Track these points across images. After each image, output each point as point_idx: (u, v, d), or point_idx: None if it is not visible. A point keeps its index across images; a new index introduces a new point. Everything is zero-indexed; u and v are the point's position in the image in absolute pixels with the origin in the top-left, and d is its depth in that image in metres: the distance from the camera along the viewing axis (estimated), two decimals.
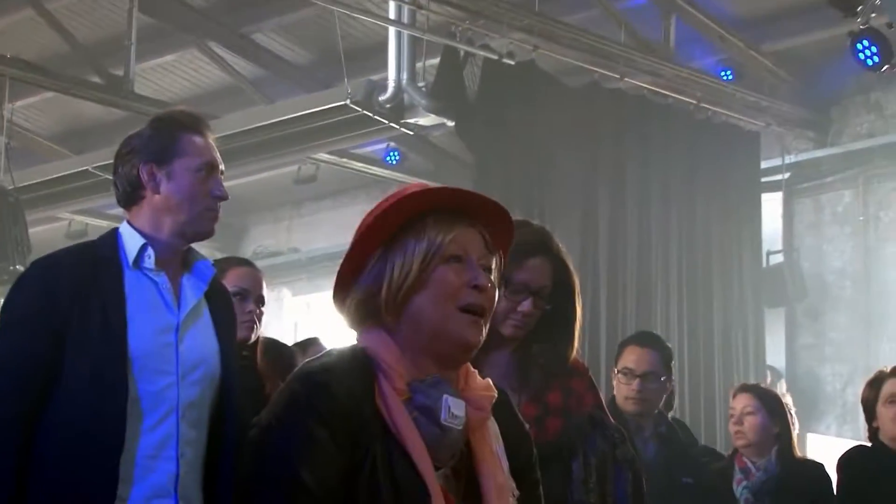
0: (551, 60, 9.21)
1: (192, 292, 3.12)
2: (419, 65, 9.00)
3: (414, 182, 2.35)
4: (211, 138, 3.20)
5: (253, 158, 10.10)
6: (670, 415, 5.29)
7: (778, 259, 10.68)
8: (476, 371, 2.29)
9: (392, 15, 8.69)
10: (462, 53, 8.96)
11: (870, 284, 10.31)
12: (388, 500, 2.08)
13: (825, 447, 8.97)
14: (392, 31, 8.75)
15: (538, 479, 2.38)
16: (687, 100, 9.83)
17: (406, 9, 8.59)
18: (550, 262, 3.28)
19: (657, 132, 9.70)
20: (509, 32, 8.77)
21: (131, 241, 3.08)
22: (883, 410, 4.57)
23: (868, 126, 10.54)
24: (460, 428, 2.15)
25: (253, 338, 4.19)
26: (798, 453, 5.23)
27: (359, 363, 2.18)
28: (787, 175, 10.74)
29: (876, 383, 4.65)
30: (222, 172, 3.20)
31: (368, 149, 11.52)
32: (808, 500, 4.89)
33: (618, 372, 4.78)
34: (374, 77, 9.27)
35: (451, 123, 9.11)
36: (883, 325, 10.18)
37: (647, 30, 9.83)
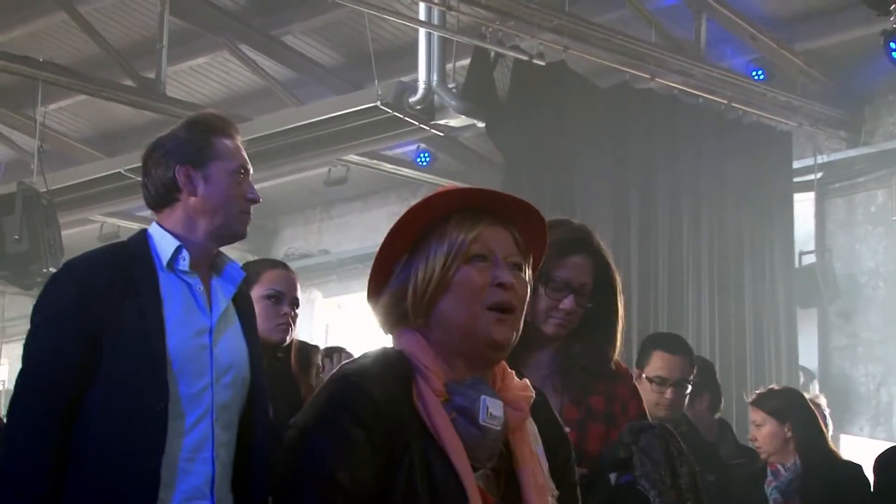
0: (581, 61, 9.19)
1: (223, 295, 3.13)
2: (449, 66, 9.00)
3: (445, 184, 2.35)
4: (240, 141, 3.22)
5: (283, 160, 10.13)
6: (717, 415, 5.31)
7: (810, 259, 10.62)
8: (513, 371, 2.28)
9: (422, 16, 8.71)
10: (492, 54, 8.96)
11: None
12: (424, 502, 2.07)
13: (858, 448, 8.90)
14: (422, 32, 8.76)
15: (576, 481, 2.37)
16: (718, 100, 9.79)
17: (436, 10, 8.60)
18: (592, 259, 3.26)
19: (688, 132, 9.66)
20: (539, 33, 8.76)
21: (164, 243, 3.08)
22: None
23: None
24: (499, 428, 2.14)
25: (288, 340, 4.20)
26: (833, 450, 5.18)
27: (395, 365, 2.17)
28: (819, 175, 10.67)
29: None
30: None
31: (399, 150, 11.53)
32: (842, 500, 4.85)
33: (647, 378, 4.74)
34: (405, 78, 9.29)
35: (481, 124, 9.11)
36: None
37: (678, 29, 9.80)
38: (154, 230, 3.13)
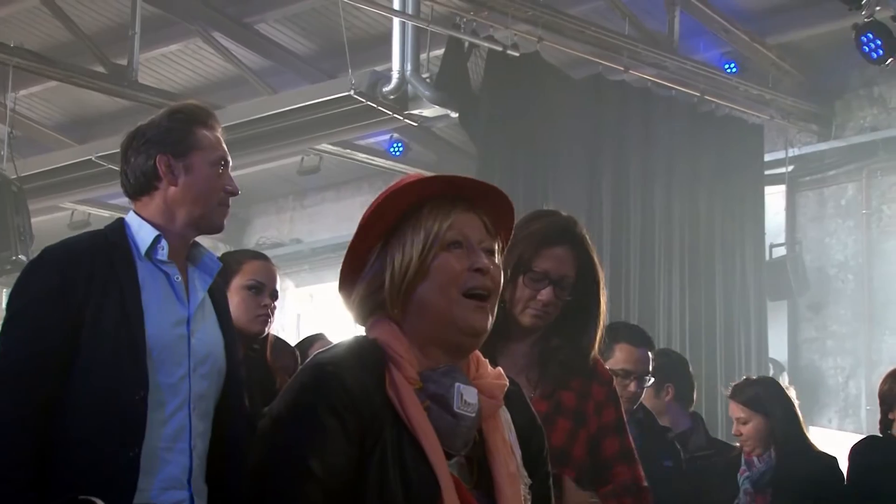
0: (555, 52, 9.20)
1: (200, 285, 3.13)
2: (423, 56, 8.98)
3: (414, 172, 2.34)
4: (221, 133, 3.21)
5: (256, 149, 10.09)
6: (691, 409, 5.34)
7: (781, 252, 10.67)
8: (487, 360, 2.29)
9: (396, 5, 8.68)
10: (466, 45, 8.95)
11: (872, 278, 10.31)
12: (397, 490, 2.08)
13: (827, 440, 8.96)
14: (396, 21, 8.74)
15: (548, 471, 2.38)
16: (691, 92, 9.82)
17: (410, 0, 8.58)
18: (574, 252, 3.23)
19: (661, 124, 9.69)
20: (513, 24, 8.76)
21: (142, 232, 3.07)
22: None
23: (871, 119, 10.53)
24: (473, 416, 2.15)
25: (266, 331, 4.20)
26: (810, 441, 5.19)
27: (369, 354, 2.18)
28: (790, 168, 10.73)
29: None
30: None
31: (372, 140, 11.52)
32: (815, 492, 4.88)
33: (610, 370, 4.74)
34: (378, 68, 9.27)
35: (454, 115, 9.10)
36: (885, 319, 10.19)
37: (652, 22, 9.82)
38: (131, 219, 3.12)
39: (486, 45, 8.80)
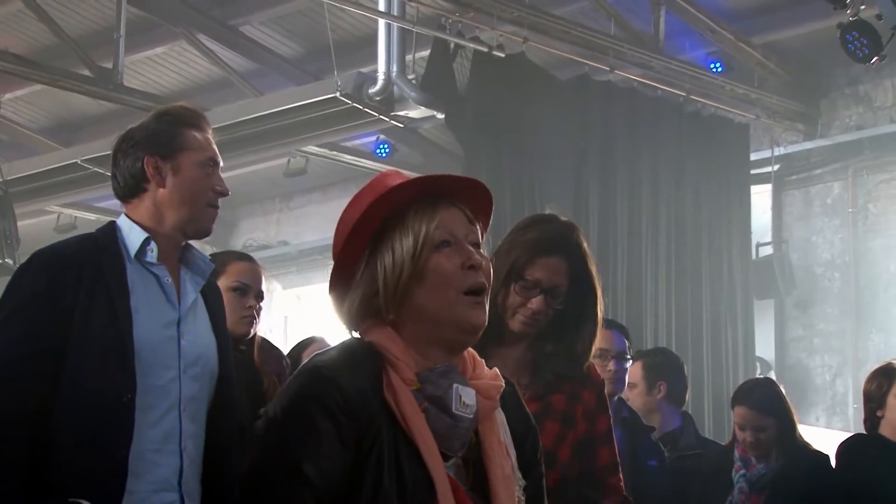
0: (541, 53, 9.21)
1: (192, 287, 3.13)
2: (409, 57, 8.99)
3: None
4: (210, 134, 3.21)
5: (242, 151, 10.07)
6: (683, 409, 5.33)
7: (767, 251, 10.70)
8: (483, 361, 2.29)
9: (382, 7, 8.68)
10: (452, 46, 8.96)
11: (858, 276, 10.34)
12: (391, 492, 2.08)
13: (814, 439, 8.96)
14: (382, 23, 8.74)
15: (542, 472, 2.39)
16: (677, 92, 9.84)
17: (396, 1, 8.58)
18: (569, 261, 3.19)
19: (647, 124, 9.71)
20: (499, 25, 8.77)
21: (132, 234, 3.07)
22: (894, 402, 4.57)
23: (857, 118, 10.56)
24: (471, 417, 2.16)
25: (252, 333, 4.20)
26: (807, 442, 5.14)
27: (366, 356, 2.18)
28: (776, 167, 10.76)
29: (888, 374, 4.64)
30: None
31: (358, 141, 11.51)
32: (808, 491, 4.86)
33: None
34: (364, 69, 9.27)
35: (440, 116, 9.10)
36: (871, 317, 10.22)
37: (637, 22, 9.84)
38: (122, 222, 3.12)
39: (471, 46, 8.81)
